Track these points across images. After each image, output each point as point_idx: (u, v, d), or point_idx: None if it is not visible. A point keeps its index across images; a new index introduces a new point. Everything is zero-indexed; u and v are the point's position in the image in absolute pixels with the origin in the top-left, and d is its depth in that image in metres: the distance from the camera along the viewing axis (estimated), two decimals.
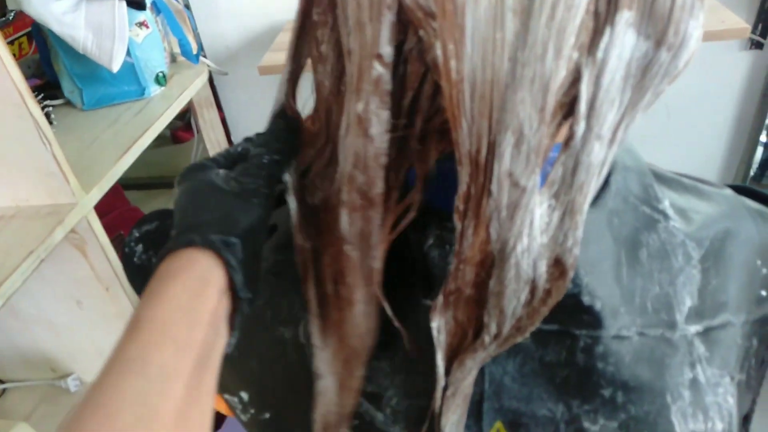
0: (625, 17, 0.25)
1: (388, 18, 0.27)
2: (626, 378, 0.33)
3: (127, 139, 0.94)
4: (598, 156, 0.27)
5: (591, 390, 0.33)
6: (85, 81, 1.04)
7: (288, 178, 0.35)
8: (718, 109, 1.40)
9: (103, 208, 0.91)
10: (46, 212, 0.76)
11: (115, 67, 0.98)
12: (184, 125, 1.70)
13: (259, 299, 0.38)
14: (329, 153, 0.33)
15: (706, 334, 0.34)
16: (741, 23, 1.01)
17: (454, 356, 0.31)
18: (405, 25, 0.27)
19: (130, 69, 1.05)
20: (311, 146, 0.34)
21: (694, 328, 0.34)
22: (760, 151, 1.54)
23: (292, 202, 0.35)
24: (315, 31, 0.32)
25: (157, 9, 1.08)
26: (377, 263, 0.32)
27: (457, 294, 0.30)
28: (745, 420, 0.40)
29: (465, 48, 0.25)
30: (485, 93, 0.26)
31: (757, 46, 1.28)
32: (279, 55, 1.16)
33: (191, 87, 1.15)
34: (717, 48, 1.28)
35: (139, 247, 0.44)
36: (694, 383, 0.34)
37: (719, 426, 0.34)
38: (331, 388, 0.35)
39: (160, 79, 1.10)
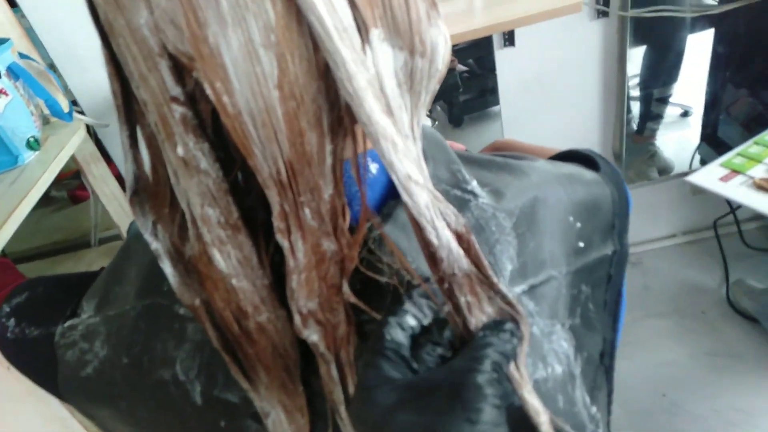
0: (376, 34, 0.29)
1: (164, 64, 0.28)
2: None
3: (2, 213, 0.90)
4: (413, 152, 0.30)
5: None
6: None
7: (156, 245, 0.34)
8: (585, 76, 1.51)
9: None
10: None
11: None
12: (80, 184, 1.64)
13: (134, 349, 0.39)
14: (177, 205, 0.33)
15: (531, 291, 0.38)
16: None
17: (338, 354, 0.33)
18: (180, 69, 0.28)
19: None
20: (162, 204, 0.34)
21: (519, 288, 0.38)
22: (637, 106, 1.67)
23: (166, 267, 0.34)
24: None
25: (14, 75, 1.05)
26: (267, 280, 0.33)
27: (312, 301, 0.32)
28: (602, 357, 0.44)
29: (233, 84, 0.27)
30: (266, 120, 0.28)
31: (604, 15, 1.40)
32: None
33: (69, 145, 1.12)
34: (571, 21, 1.39)
35: (12, 321, 0.44)
36: (530, 337, 0.37)
37: (558, 369, 0.38)
38: (281, 420, 0.35)
39: (33, 144, 1.07)
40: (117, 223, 1.39)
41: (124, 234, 1.45)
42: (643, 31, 1.48)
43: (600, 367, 0.43)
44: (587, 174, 0.45)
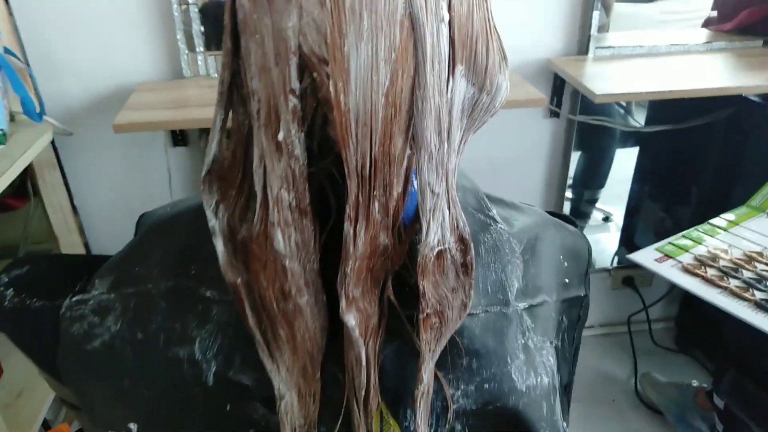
0: (460, 70, 0.35)
1: (294, 61, 0.33)
2: (477, 347, 0.40)
3: None
4: (453, 164, 0.36)
5: (452, 361, 0.40)
6: None
7: (214, 221, 0.36)
8: (532, 167, 1.66)
9: None
10: None
11: None
12: (15, 191, 1.56)
13: (151, 326, 0.40)
14: (247, 188, 0.36)
15: (530, 309, 0.44)
16: (539, 95, 1.24)
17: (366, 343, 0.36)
18: (303, 68, 0.33)
19: None
20: (230, 186, 0.37)
21: (522, 305, 0.43)
22: (567, 205, 1.84)
23: (219, 245, 0.36)
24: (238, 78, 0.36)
25: None
26: (316, 265, 0.36)
27: (358, 288, 0.35)
28: (567, 389, 0.50)
29: (350, 86, 0.32)
30: (367, 121, 0.32)
31: (555, 115, 1.57)
32: (132, 114, 1.15)
33: (34, 146, 1.09)
34: (527, 116, 1.54)
35: (10, 291, 0.44)
36: (526, 348, 0.42)
37: (546, 380, 0.43)
38: (293, 404, 0.37)
39: (0, 138, 1.03)
40: (57, 235, 1.33)
41: (60, 249, 1.38)
42: (582, 138, 1.66)
43: (564, 397, 0.49)
44: (571, 227, 0.54)
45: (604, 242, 2.00)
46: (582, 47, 1.47)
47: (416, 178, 0.36)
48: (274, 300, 0.35)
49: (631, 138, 1.85)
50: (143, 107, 1.18)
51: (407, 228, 0.37)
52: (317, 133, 0.35)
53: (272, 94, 0.33)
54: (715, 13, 1.71)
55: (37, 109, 1.13)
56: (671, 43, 1.54)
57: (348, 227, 0.34)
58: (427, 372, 0.37)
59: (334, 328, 0.37)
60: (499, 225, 0.45)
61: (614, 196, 1.95)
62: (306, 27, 0.32)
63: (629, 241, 1.98)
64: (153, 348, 0.40)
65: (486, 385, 0.40)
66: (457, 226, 0.37)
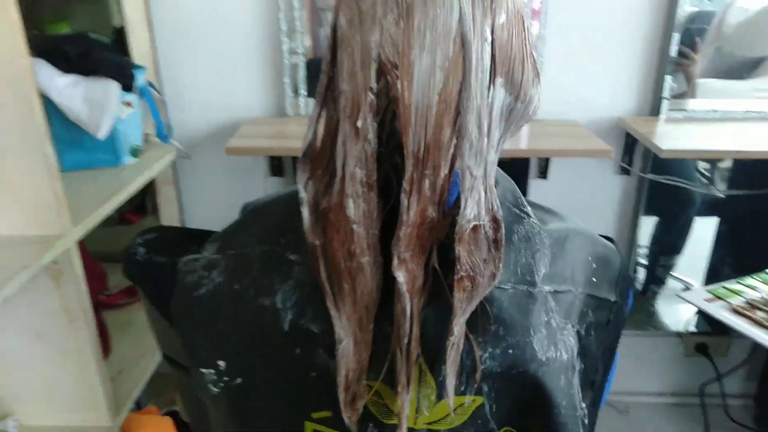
0: (499, 81, 0.42)
1: (373, 66, 0.41)
2: (505, 317, 0.46)
3: (107, 191, 1.06)
4: (492, 157, 0.43)
5: (483, 326, 0.45)
6: (68, 146, 1.18)
7: (303, 194, 0.44)
8: (602, 223, 1.70)
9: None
10: (34, 240, 0.87)
11: (102, 136, 1.13)
12: (134, 207, 1.80)
13: (246, 279, 0.48)
14: (331, 169, 0.44)
15: (554, 294, 0.48)
16: (604, 145, 1.32)
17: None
18: (379, 72, 0.41)
19: (110, 139, 1.20)
20: (319, 167, 0.45)
21: (547, 288, 0.48)
22: (642, 271, 1.84)
23: (305, 212, 0.44)
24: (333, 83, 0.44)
25: (141, 93, 1.26)
26: (377, 231, 0.42)
27: (408, 251, 0.41)
28: (594, 385, 0.53)
29: (413, 86, 0.40)
30: (424, 114, 0.40)
31: (626, 172, 1.62)
32: (242, 141, 1.35)
33: (161, 161, 1.30)
34: (598, 171, 1.61)
35: (141, 249, 0.55)
36: (548, 324, 0.47)
37: (564, 356, 0.48)
38: (350, 349, 0.42)
39: (135, 152, 1.25)
40: None
41: None
42: (658, 201, 1.69)
43: (589, 392, 0.52)
44: (606, 241, 0.58)
45: (681, 310, 1.96)
46: (654, 108, 1.54)
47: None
48: (342, 259, 0.42)
49: (710, 206, 1.85)
50: (250, 136, 1.39)
51: (451, 207, 0.43)
52: (387, 126, 0.43)
53: (356, 92, 0.41)
54: None
55: (166, 133, 1.35)
56: (747, 109, 1.57)
57: (403, 198, 0.41)
58: (458, 326, 0.42)
59: (388, 290, 0.43)
60: (532, 219, 0.51)
61: (692, 266, 1.92)
62: (384, 41, 0.40)
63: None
64: (245, 297, 0.47)
65: (510, 350, 0.46)
66: (492, 208, 0.43)
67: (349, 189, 0.42)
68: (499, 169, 0.52)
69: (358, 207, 0.42)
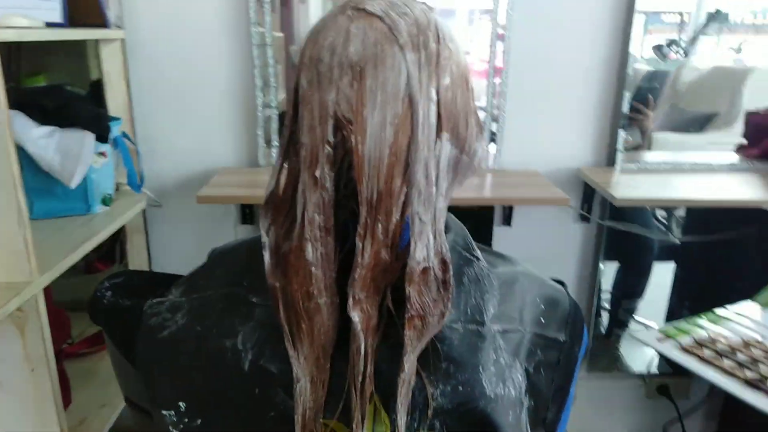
0: (445, 136, 0.47)
1: (330, 122, 0.45)
2: (455, 355, 0.48)
3: (77, 238, 1.07)
4: (441, 204, 0.47)
5: (434, 364, 0.47)
6: (39, 194, 1.19)
7: (266, 239, 0.47)
8: (563, 269, 1.76)
9: None
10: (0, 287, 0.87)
11: (74, 185, 1.15)
12: (102, 255, 1.79)
13: (208, 321, 0.50)
14: (292, 216, 0.47)
15: (503, 333, 0.51)
16: (563, 195, 1.39)
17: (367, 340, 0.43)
18: (335, 127, 0.45)
19: (82, 188, 1.22)
20: (280, 213, 0.48)
21: (495, 327, 0.50)
22: (604, 315, 1.89)
23: (266, 256, 0.47)
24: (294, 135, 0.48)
25: (116, 144, 1.29)
26: (334, 273, 0.45)
27: (363, 292, 0.44)
28: (545, 423, 0.54)
29: (366, 140, 0.44)
30: (376, 165, 0.44)
31: (585, 219, 1.69)
32: (213, 189, 1.38)
33: (132, 210, 1.32)
34: (559, 220, 1.68)
35: (109, 293, 0.58)
36: (497, 362, 0.49)
37: (513, 393, 0.50)
38: (307, 387, 0.44)
39: (107, 200, 1.27)
40: None
41: None
42: (618, 247, 1.76)
43: (541, 430, 0.54)
44: (556, 284, 0.62)
45: (643, 352, 2.00)
46: (610, 160, 1.63)
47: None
48: (301, 300, 0.45)
49: (668, 251, 1.93)
50: (222, 185, 1.42)
51: (403, 250, 0.46)
52: (344, 175, 0.47)
53: (315, 144, 0.46)
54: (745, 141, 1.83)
55: (138, 182, 1.37)
56: (695, 161, 1.68)
57: (358, 242, 0.44)
58: (409, 363, 0.44)
59: (344, 330, 0.45)
60: (482, 263, 0.54)
61: (653, 309, 1.99)
62: (340, 100, 0.45)
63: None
64: (207, 337, 0.49)
65: (460, 387, 0.47)
66: (441, 251, 0.46)
67: (308, 233, 0.45)
68: (452, 216, 0.57)
69: (316, 250, 0.45)
